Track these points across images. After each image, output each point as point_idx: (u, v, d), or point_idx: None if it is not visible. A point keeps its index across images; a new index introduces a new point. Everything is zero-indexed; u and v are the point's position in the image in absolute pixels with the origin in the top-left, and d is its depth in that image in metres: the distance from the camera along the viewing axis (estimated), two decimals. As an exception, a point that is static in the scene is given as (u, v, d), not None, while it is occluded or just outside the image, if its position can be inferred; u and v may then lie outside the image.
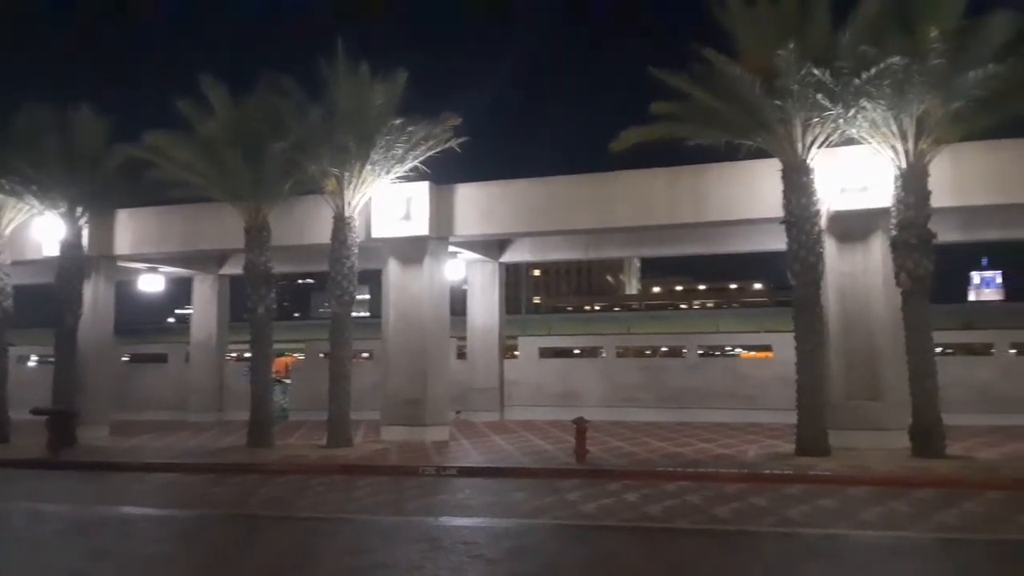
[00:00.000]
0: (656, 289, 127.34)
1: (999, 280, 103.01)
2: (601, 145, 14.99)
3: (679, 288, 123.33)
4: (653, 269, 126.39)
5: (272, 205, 16.89)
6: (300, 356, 25.58)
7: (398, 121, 15.94)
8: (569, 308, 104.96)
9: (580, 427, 13.50)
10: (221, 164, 16.43)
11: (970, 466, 12.21)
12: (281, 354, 22.16)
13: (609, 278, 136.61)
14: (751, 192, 15.35)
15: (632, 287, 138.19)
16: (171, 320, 72.59)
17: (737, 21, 13.88)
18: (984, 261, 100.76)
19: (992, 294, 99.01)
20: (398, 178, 16.84)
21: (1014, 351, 20.77)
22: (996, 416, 18.40)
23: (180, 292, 27.05)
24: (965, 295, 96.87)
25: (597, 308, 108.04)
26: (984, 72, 12.17)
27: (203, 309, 24.97)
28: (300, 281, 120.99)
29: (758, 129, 13.97)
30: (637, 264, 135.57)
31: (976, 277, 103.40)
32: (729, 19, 13.91)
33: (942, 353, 15.15)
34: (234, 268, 22.57)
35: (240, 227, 16.98)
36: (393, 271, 17.71)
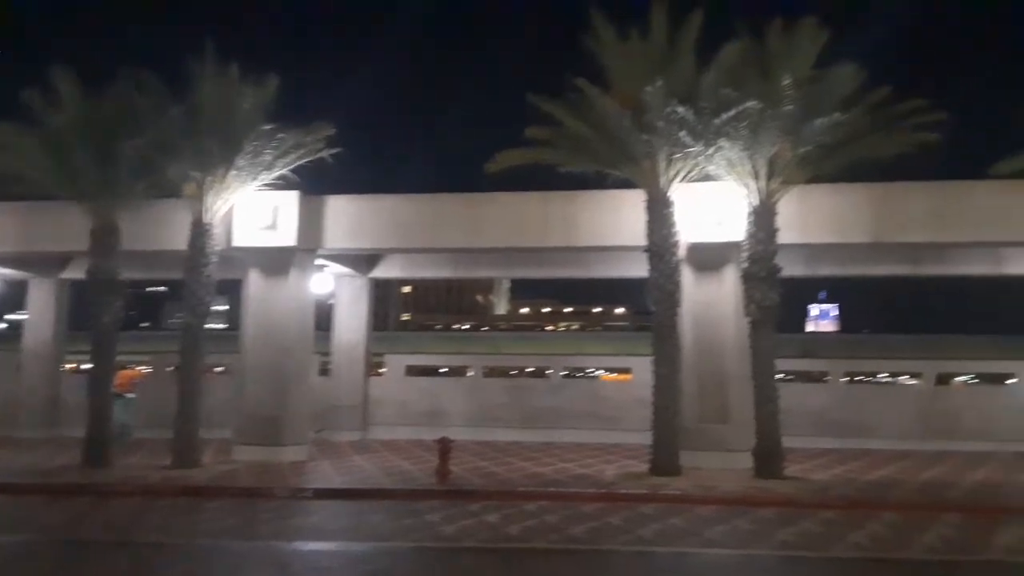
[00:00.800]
0: (524, 310, 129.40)
1: (834, 313, 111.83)
2: (476, 164, 15.13)
3: (546, 310, 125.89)
4: (522, 290, 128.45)
5: (123, 207, 15.79)
6: (147, 369, 24.00)
7: (268, 127, 15.46)
8: (438, 326, 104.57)
9: (444, 447, 13.38)
10: (68, 161, 15.23)
11: (806, 487, 13.08)
12: (125, 367, 20.61)
13: (479, 298, 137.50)
14: (618, 220, 15.85)
15: (501, 307, 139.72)
16: (1, 326, 66.31)
17: (609, 54, 14.44)
18: (822, 295, 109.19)
19: (828, 325, 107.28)
20: (265, 186, 16.22)
21: (846, 379, 22.59)
22: (829, 440, 19.86)
23: (13, 296, 24.75)
24: (803, 326, 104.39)
25: (466, 327, 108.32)
26: (830, 120, 13.24)
27: (39, 315, 22.94)
28: (150, 289, 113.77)
29: (626, 160, 14.52)
30: (507, 285, 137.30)
31: (814, 309, 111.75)
32: (602, 51, 14.44)
33: (783, 379, 16.18)
34: (77, 272, 20.87)
35: (86, 228, 15.76)
36: (255, 282, 16.98)
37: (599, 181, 15.17)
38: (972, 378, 24.22)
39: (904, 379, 24.69)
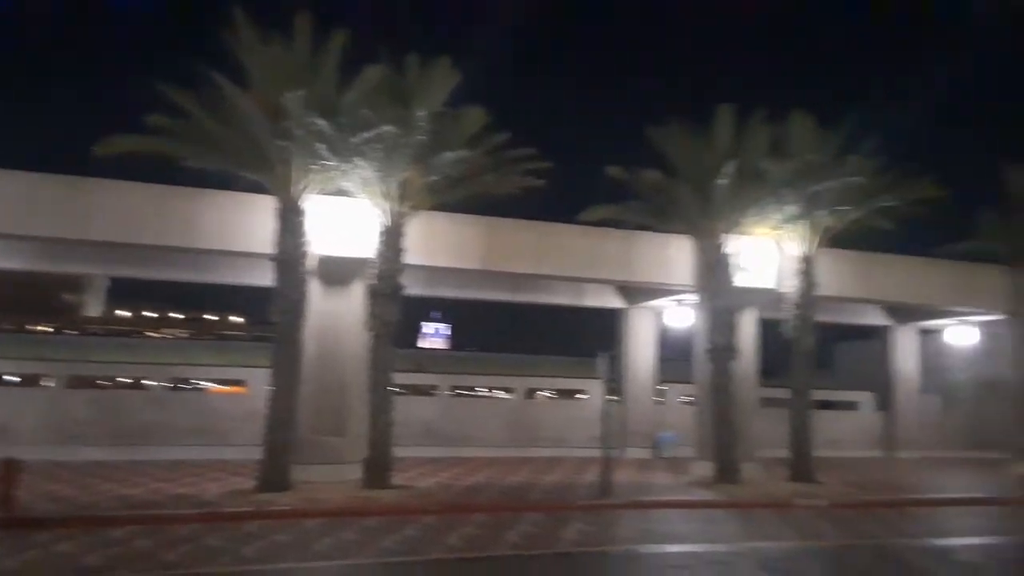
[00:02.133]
0: (124, 313, 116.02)
1: (446, 332, 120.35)
2: (85, 146, 13.22)
3: (151, 315, 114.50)
4: (123, 291, 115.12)
5: None
6: None
7: None
8: (8, 326, 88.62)
9: (8, 469, 11.31)
10: None
11: (411, 494, 13.82)
12: None
13: (67, 296, 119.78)
14: (246, 225, 15.20)
15: (95, 309, 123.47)
16: None
17: (249, 56, 13.84)
18: (435, 314, 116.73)
19: (439, 343, 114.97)
20: None
21: (451, 393, 24.43)
22: (435, 449, 21.28)
23: None
24: (416, 342, 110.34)
25: (48, 329, 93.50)
26: (456, 155, 14.33)
27: None
28: None
29: (259, 164, 14.02)
30: (105, 284, 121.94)
31: (428, 327, 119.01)
32: (242, 52, 13.79)
33: (397, 392, 16.89)
34: None
35: None
36: None
37: (228, 182, 14.42)
38: (552, 393, 27.91)
39: (500, 393, 27.49)
